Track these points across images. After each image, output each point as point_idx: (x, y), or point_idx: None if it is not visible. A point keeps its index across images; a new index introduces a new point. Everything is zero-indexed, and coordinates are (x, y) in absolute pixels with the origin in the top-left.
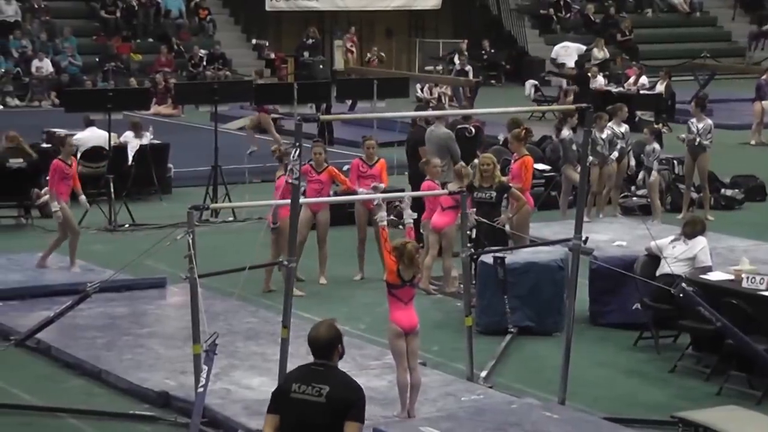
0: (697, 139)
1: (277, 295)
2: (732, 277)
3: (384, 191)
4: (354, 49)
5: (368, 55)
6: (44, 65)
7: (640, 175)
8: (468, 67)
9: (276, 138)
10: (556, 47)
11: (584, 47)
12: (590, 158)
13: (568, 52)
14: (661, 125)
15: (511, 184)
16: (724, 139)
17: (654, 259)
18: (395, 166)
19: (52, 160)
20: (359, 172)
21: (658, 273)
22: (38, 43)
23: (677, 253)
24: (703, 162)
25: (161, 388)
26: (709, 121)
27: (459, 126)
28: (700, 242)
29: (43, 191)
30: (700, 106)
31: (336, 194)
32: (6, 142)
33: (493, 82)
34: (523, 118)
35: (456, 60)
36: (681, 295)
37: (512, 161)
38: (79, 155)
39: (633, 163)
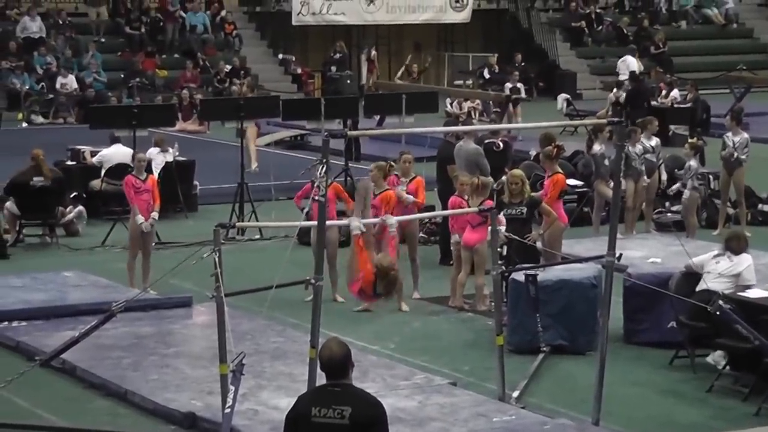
0: (734, 154)
1: (304, 314)
2: None
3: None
4: (375, 66)
5: (414, 66)
6: (69, 81)
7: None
8: (519, 84)
9: (252, 154)
10: (618, 63)
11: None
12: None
13: (624, 66)
14: (696, 139)
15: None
16: (760, 153)
17: (690, 276)
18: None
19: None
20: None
21: (698, 288)
22: (63, 59)
23: (721, 268)
24: (739, 177)
25: (188, 408)
26: (746, 135)
27: (487, 140)
28: (746, 259)
29: (68, 209)
30: (736, 120)
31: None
32: (30, 161)
33: (524, 96)
34: (555, 132)
35: (485, 73)
36: (718, 312)
37: (545, 178)
38: (103, 172)
39: (664, 177)
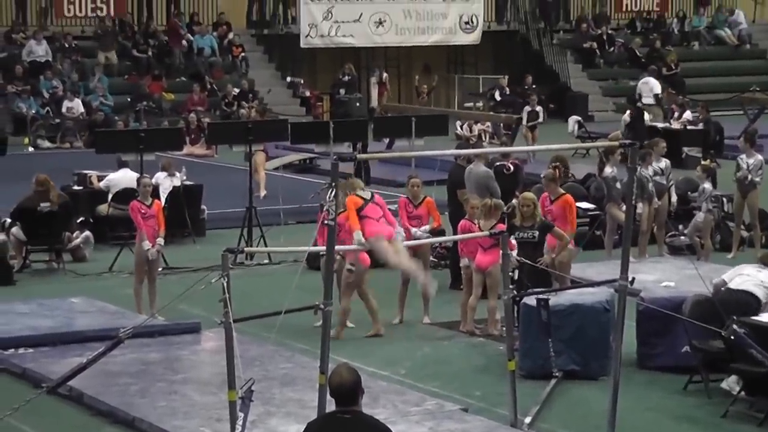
0: (748, 176)
1: (313, 340)
2: None
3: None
4: (386, 88)
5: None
6: (75, 105)
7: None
8: (539, 108)
9: (260, 178)
10: (639, 84)
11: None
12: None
13: (647, 88)
14: (709, 161)
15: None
16: None
17: (704, 302)
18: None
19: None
20: (406, 212)
21: (734, 286)
22: (69, 83)
23: (763, 277)
24: (753, 199)
25: None
26: (760, 157)
27: (497, 163)
28: None
29: (74, 234)
30: (750, 142)
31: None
32: (36, 186)
33: (541, 120)
34: (566, 155)
35: (497, 95)
36: (732, 337)
37: (549, 202)
38: (110, 197)
39: (674, 199)
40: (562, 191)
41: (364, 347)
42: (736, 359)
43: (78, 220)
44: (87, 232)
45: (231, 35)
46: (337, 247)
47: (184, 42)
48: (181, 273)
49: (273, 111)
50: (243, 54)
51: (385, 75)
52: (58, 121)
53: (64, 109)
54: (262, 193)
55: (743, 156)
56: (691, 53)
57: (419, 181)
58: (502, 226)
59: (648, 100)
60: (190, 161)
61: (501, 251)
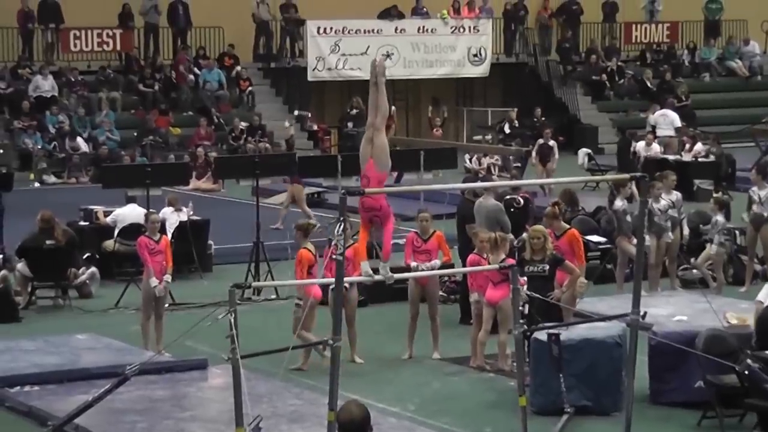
0: (765, 214)
1: (322, 376)
2: None
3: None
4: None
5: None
6: (77, 144)
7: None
8: (552, 142)
9: (306, 212)
10: (655, 115)
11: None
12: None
13: (666, 120)
14: (721, 194)
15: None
16: None
17: (718, 336)
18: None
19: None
20: (414, 246)
21: None
22: (75, 118)
23: None
24: (766, 232)
25: None
26: None
27: (507, 197)
28: None
29: (80, 270)
30: (762, 174)
31: None
32: (40, 223)
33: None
34: (576, 188)
35: (506, 128)
36: (746, 372)
37: (555, 238)
38: (116, 232)
39: (686, 232)
40: (567, 226)
41: (374, 383)
42: (750, 394)
43: (84, 256)
44: (93, 269)
45: (238, 68)
46: (345, 279)
47: (191, 76)
48: (187, 309)
49: (280, 145)
50: (250, 88)
51: (393, 108)
52: (63, 155)
53: (67, 146)
54: (279, 224)
55: (755, 188)
56: (701, 85)
57: (428, 216)
58: (512, 261)
59: (667, 131)
60: (196, 196)
61: (511, 285)
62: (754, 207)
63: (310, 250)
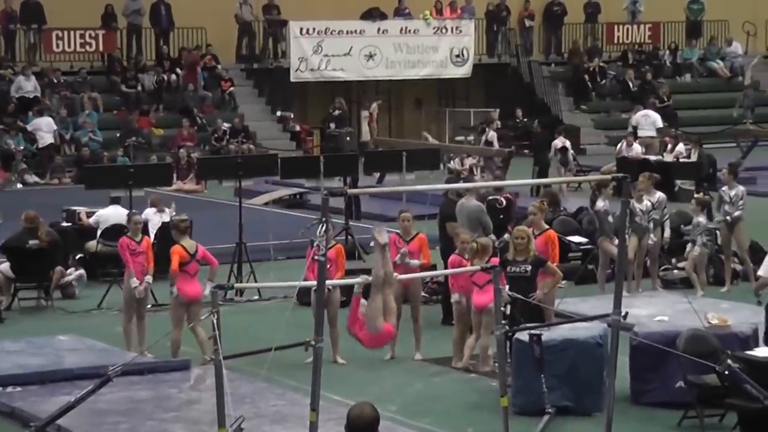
0: (736, 213)
1: (304, 376)
2: None
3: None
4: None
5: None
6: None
7: (688, 248)
8: (572, 158)
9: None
10: (637, 115)
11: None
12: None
13: (648, 121)
14: (702, 194)
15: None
16: None
17: (699, 336)
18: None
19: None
20: (396, 248)
21: None
22: (58, 119)
23: None
24: (739, 232)
25: None
26: (742, 188)
27: (490, 197)
28: None
29: (68, 271)
30: (733, 173)
31: None
32: (25, 223)
33: (526, 151)
34: (556, 189)
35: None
36: (727, 372)
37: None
38: (99, 233)
39: (667, 233)
40: (546, 226)
41: (356, 384)
42: (731, 395)
43: (76, 257)
44: (81, 271)
45: (219, 68)
46: (328, 282)
47: (173, 76)
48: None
49: (263, 146)
50: (231, 88)
51: (374, 105)
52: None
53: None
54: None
55: (725, 188)
56: (683, 85)
57: (410, 216)
58: (496, 260)
59: (648, 132)
60: (179, 197)
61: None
62: (725, 206)
63: (185, 247)
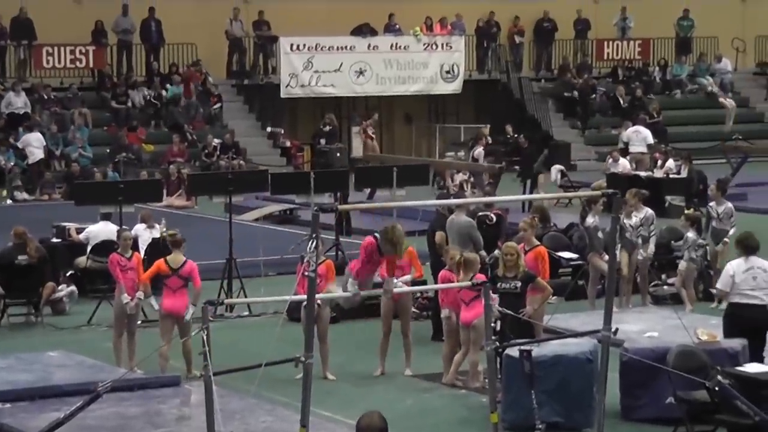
0: (727, 229)
1: (294, 392)
2: None
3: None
4: (373, 135)
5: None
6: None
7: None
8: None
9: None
10: (628, 131)
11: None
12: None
13: (639, 137)
14: (692, 210)
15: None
16: (759, 224)
17: (689, 352)
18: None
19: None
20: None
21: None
22: (48, 134)
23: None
24: (727, 248)
25: None
26: (729, 205)
27: (480, 213)
28: None
29: (59, 287)
30: (721, 190)
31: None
32: (14, 238)
33: (516, 167)
34: (548, 205)
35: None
36: (717, 388)
37: (524, 252)
38: (89, 249)
39: (651, 249)
40: (537, 242)
41: (346, 400)
42: (721, 410)
43: (67, 274)
44: (73, 287)
45: (209, 83)
46: (318, 296)
47: (163, 92)
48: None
49: (253, 162)
50: (219, 104)
51: (369, 121)
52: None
53: (30, 160)
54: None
55: (713, 203)
56: (673, 101)
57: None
58: (481, 276)
59: (639, 148)
60: (169, 213)
61: (483, 302)
62: (713, 223)
63: (167, 261)
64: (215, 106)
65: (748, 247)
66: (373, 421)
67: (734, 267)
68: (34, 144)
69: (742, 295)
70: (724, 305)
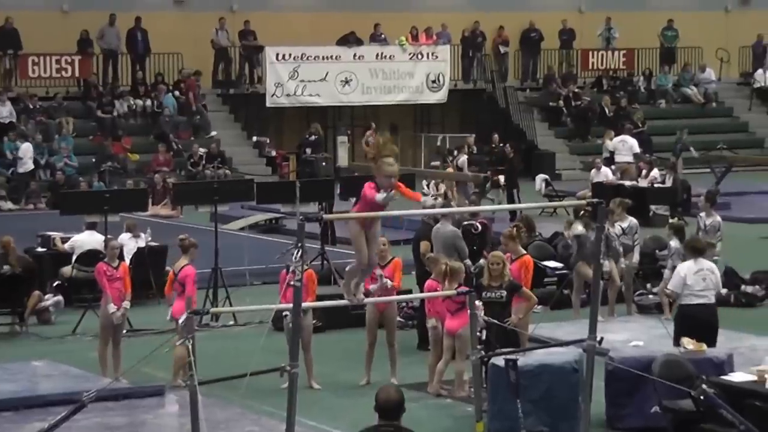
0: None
1: (280, 402)
2: (755, 378)
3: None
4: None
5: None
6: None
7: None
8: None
9: None
10: (614, 141)
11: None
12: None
13: (625, 146)
14: (677, 219)
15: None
16: (743, 233)
17: (674, 361)
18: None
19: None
20: (372, 272)
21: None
22: (33, 144)
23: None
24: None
25: None
26: (718, 218)
27: (465, 222)
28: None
29: (45, 297)
30: (711, 201)
31: None
32: None
33: (502, 177)
34: (533, 214)
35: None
36: (702, 397)
37: (510, 261)
38: (74, 258)
39: (636, 258)
40: (524, 252)
41: (332, 409)
42: (706, 419)
43: (54, 284)
44: (59, 297)
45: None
46: (304, 304)
47: (149, 102)
48: (145, 335)
49: (239, 171)
50: (202, 113)
51: (368, 132)
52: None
53: (20, 170)
54: None
55: (702, 214)
56: (657, 111)
57: (386, 240)
58: (464, 286)
59: (625, 157)
60: (155, 222)
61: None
62: (699, 234)
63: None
64: (198, 115)
65: (696, 249)
66: (391, 394)
67: (685, 269)
68: (26, 154)
69: (693, 295)
70: None
